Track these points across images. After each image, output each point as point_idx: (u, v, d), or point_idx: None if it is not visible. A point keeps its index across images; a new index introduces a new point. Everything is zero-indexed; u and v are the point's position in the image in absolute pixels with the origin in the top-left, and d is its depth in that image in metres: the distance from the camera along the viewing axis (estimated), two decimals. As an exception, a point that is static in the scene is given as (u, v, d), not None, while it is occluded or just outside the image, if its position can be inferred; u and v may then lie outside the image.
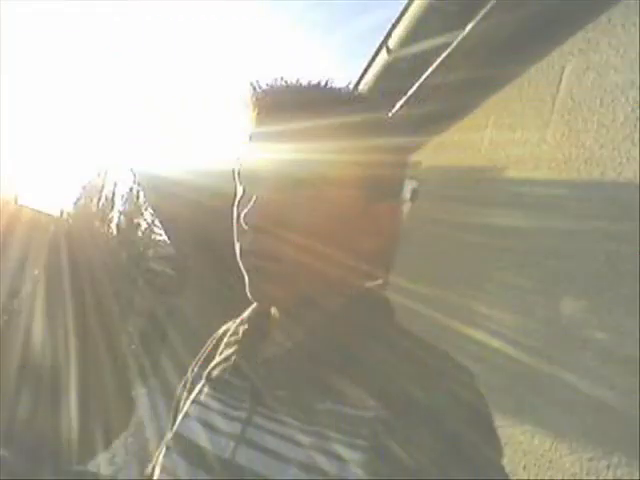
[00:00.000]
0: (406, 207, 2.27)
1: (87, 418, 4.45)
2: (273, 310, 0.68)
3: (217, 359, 0.70)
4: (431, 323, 1.65)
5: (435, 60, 1.99)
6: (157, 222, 6.44)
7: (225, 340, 0.73)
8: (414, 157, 2.31)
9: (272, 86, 0.64)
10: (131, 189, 6.37)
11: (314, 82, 0.63)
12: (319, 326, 0.63)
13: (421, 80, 2.14)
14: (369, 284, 0.68)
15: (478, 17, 1.69)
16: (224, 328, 0.77)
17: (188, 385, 0.75)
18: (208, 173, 3.46)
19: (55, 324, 4.74)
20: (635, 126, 1.19)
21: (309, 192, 0.60)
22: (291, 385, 0.59)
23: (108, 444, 4.72)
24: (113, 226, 6.31)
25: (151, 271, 6.16)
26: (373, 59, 2.29)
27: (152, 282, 6.03)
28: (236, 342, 0.69)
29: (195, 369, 0.75)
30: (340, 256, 0.62)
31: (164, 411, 3.99)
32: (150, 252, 6.39)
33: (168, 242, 6.65)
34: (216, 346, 0.75)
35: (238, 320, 0.73)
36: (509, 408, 1.31)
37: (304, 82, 0.63)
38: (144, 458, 3.94)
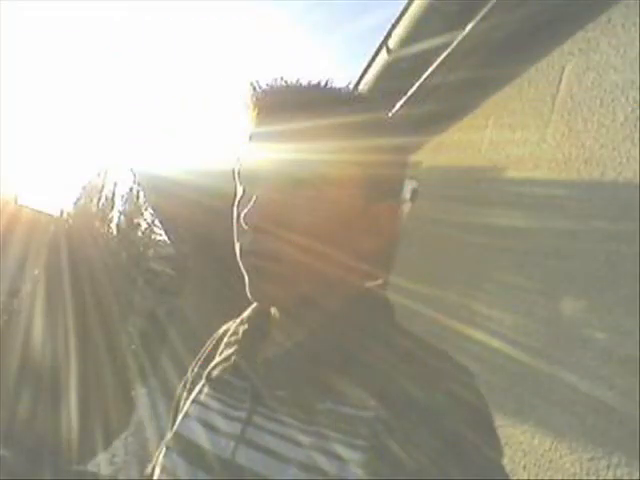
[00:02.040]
0: (406, 207, 2.27)
1: (87, 418, 4.45)
2: (273, 310, 0.68)
3: (217, 359, 0.70)
4: (431, 323, 1.65)
5: (435, 60, 1.99)
6: (157, 222, 6.43)
7: (225, 340, 0.73)
8: (414, 157, 2.31)
9: (272, 86, 0.64)
10: (131, 189, 6.36)
11: (314, 82, 0.63)
12: (319, 326, 0.63)
13: (421, 80, 2.14)
14: (369, 284, 0.68)
15: (478, 17, 1.69)
16: (224, 328, 0.77)
17: (188, 385, 0.75)
18: (208, 173, 3.46)
19: (55, 324, 4.74)
20: (635, 126, 1.19)
21: (309, 192, 0.60)
22: (291, 385, 0.59)
23: (108, 444, 4.72)
24: (113, 226, 6.30)
25: (151, 271, 6.15)
26: (373, 59, 2.28)
27: (152, 282, 6.03)
28: (236, 342, 0.69)
29: (195, 369, 0.75)
30: (340, 256, 0.62)
31: (164, 411, 3.99)
32: (150, 252, 6.38)
33: (168, 242, 6.65)
34: (216, 346, 0.75)
35: (238, 320, 0.73)
36: (509, 408, 1.31)
37: (304, 82, 0.63)
38: (144, 458, 3.95)
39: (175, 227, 6.10)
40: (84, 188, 6.43)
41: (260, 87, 0.64)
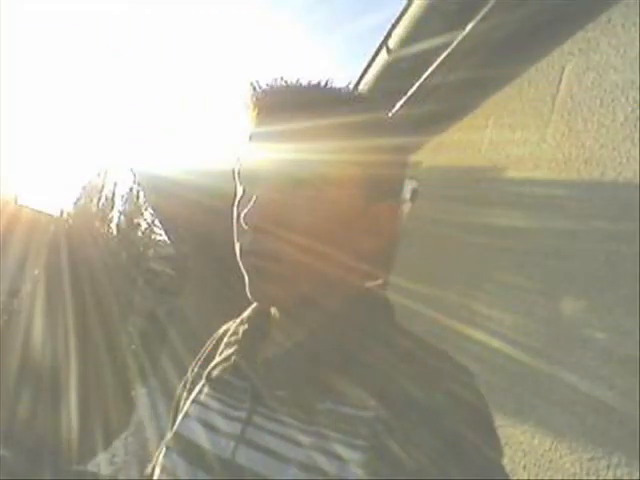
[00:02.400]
0: (406, 207, 2.27)
1: (87, 418, 4.45)
2: (273, 310, 0.68)
3: (217, 359, 0.70)
4: (431, 323, 1.65)
5: (435, 60, 1.99)
6: (157, 222, 6.43)
7: (225, 340, 0.73)
8: (414, 157, 2.31)
9: (272, 86, 0.64)
10: (131, 189, 6.36)
11: (314, 82, 0.63)
12: (319, 326, 0.63)
13: (421, 80, 2.14)
14: (369, 284, 0.68)
15: (478, 17, 1.69)
16: (224, 328, 0.77)
17: (188, 385, 0.75)
18: (208, 173, 3.46)
19: (55, 324, 4.74)
20: (635, 126, 1.19)
21: (309, 192, 0.60)
22: (291, 385, 0.59)
23: (108, 444, 4.72)
24: (113, 226, 6.30)
25: (151, 271, 6.15)
26: (373, 59, 2.28)
27: (152, 282, 6.03)
28: (236, 342, 0.69)
29: (195, 369, 0.75)
30: (340, 256, 0.62)
31: (164, 411, 3.99)
32: (150, 252, 6.38)
33: (168, 242, 6.65)
34: (216, 346, 0.75)
35: (238, 320, 0.73)
36: (509, 408, 1.31)
37: (304, 82, 0.63)
38: (144, 458, 3.95)
39: (175, 227, 6.10)
40: (84, 188, 6.43)
41: (260, 87, 0.64)
